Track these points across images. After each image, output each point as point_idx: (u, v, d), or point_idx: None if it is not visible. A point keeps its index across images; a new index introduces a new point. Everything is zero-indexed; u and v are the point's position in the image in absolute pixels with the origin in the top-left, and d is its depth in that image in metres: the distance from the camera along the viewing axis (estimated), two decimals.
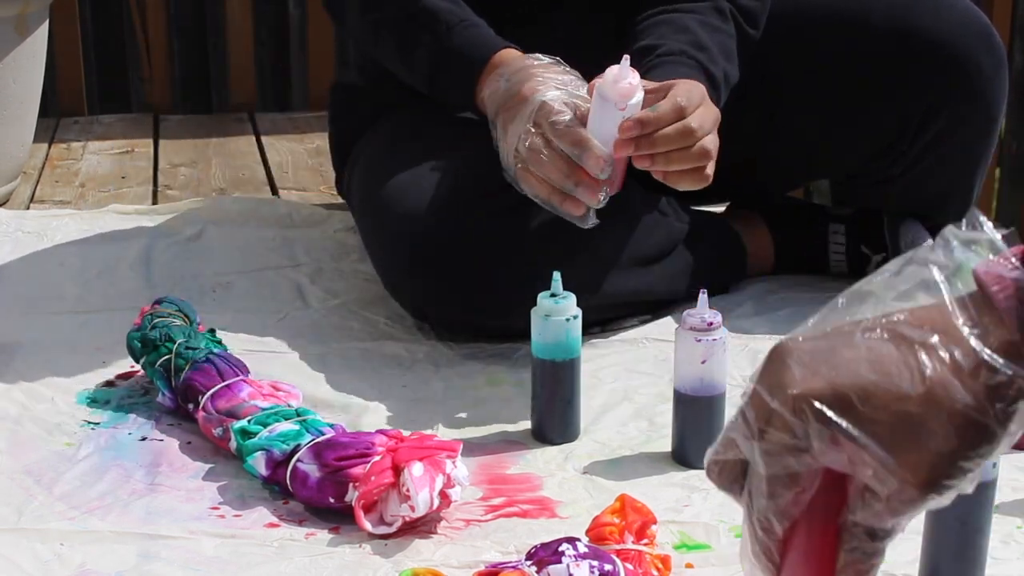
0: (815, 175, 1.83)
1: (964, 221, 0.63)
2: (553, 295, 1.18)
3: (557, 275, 1.18)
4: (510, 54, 1.35)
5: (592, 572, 0.90)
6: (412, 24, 1.43)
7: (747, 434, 0.62)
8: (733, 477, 0.65)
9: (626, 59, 1.20)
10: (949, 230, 0.63)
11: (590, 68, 1.26)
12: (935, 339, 0.60)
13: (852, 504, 0.62)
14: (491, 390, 1.32)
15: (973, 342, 0.60)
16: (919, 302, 0.62)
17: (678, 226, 1.52)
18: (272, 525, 1.06)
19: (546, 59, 1.31)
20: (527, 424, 1.24)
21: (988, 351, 0.59)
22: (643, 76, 1.27)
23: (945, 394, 0.59)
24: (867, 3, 1.50)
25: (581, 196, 1.23)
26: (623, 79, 1.19)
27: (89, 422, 1.24)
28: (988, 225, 0.63)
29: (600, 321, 1.43)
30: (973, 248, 0.63)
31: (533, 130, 1.24)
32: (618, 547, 0.95)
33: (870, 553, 0.62)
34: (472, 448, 1.17)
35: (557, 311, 1.18)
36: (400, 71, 1.48)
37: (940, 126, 1.50)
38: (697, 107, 1.23)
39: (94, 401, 1.29)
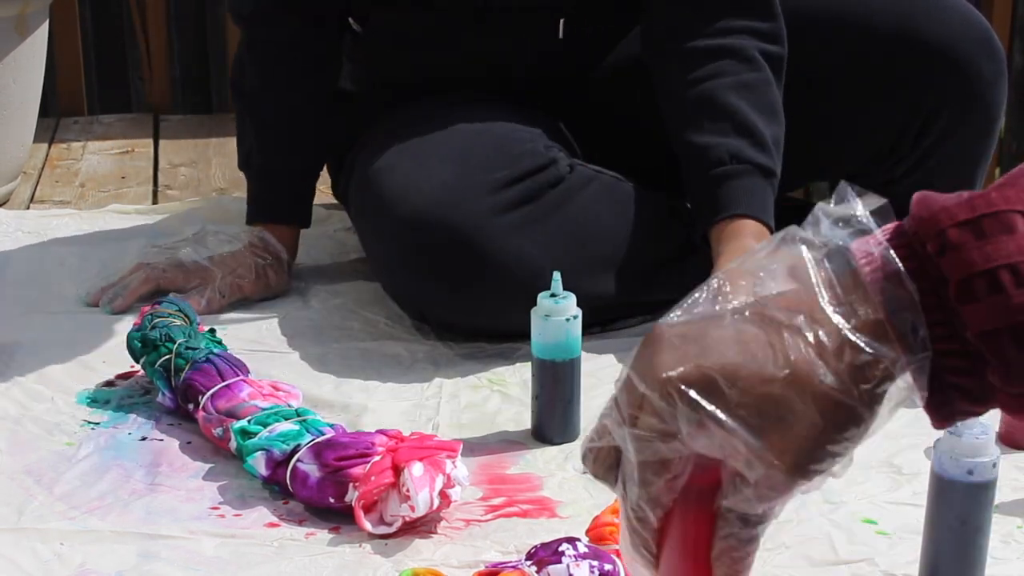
0: (815, 177, 1.83)
1: (835, 196, 0.63)
2: (553, 295, 1.18)
3: (557, 275, 1.18)
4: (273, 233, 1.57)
5: (592, 572, 0.90)
6: (246, 117, 1.63)
7: (618, 420, 0.61)
8: (608, 466, 0.63)
9: None
10: (820, 207, 0.63)
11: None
12: (800, 320, 0.59)
13: (724, 489, 0.60)
14: (491, 390, 1.32)
15: (836, 320, 0.58)
16: (789, 283, 0.60)
17: (682, 230, 1.52)
18: (272, 525, 1.06)
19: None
20: (527, 424, 1.24)
21: (852, 330, 0.58)
22: (703, 198, 1.39)
23: (809, 375, 0.57)
24: (868, 7, 1.50)
25: None
26: None
27: (89, 422, 1.24)
28: (858, 200, 0.62)
29: (600, 321, 1.43)
30: (843, 225, 0.62)
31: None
32: (618, 547, 0.95)
33: (745, 540, 0.61)
34: (472, 448, 1.17)
35: (557, 311, 1.18)
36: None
37: (940, 130, 1.50)
38: None
39: (94, 401, 1.29)
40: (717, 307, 0.61)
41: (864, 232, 0.62)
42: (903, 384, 0.59)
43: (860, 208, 0.63)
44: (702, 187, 1.39)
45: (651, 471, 0.60)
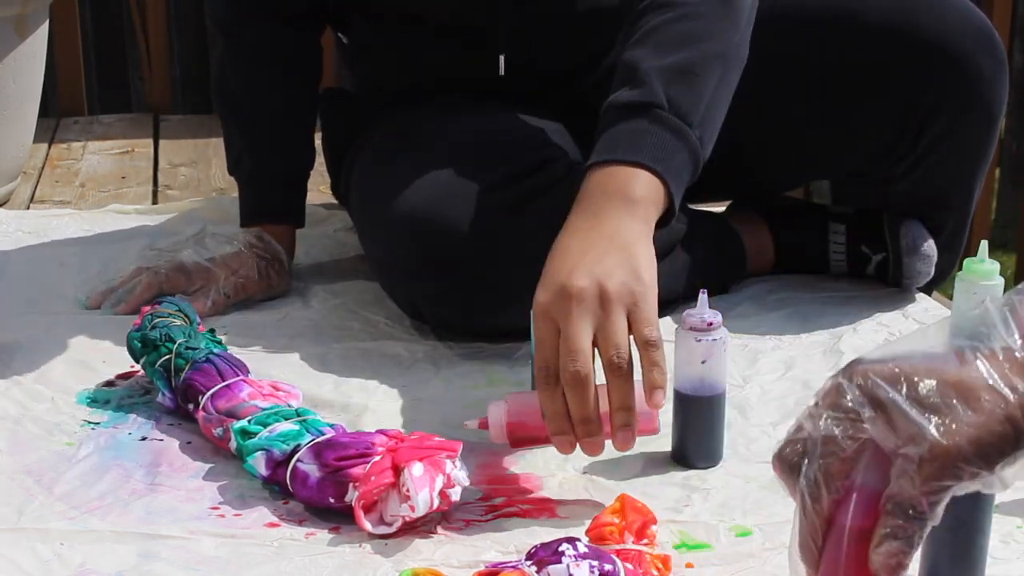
0: (815, 175, 1.83)
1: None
2: None
3: None
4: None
5: (592, 572, 0.90)
6: (231, 121, 1.64)
7: (813, 411, 0.69)
8: (792, 465, 0.69)
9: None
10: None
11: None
12: (980, 345, 0.67)
13: (892, 479, 0.66)
14: (491, 390, 1.32)
15: (1012, 342, 0.67)
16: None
17: (677, 226, 1.52)
18: (272, 525, 1.06)
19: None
20: None
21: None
22: (600, 129, 1.22)
23: (980, 378, 0.65)
24: (867, 4, 1.50)
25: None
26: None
27: (89, 422, 1.24)
28: None
29: None
30: None
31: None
32: (618, 547, 0.95)
33: (903, 537, 0.65)
34: (472, 448, 1.17)
35: None
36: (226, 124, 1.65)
37: (940, 127, 1.50)
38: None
39: (94, 401, 1.29)
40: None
41: None
42: None
43: None
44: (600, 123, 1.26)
45: (831, 445, 0.67)
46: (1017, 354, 0.66)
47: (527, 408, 1.10)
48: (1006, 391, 0.65)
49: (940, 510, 0.66)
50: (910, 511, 0.65)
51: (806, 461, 0.69)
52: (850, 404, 0.67)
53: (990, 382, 0.65)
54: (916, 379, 0.66)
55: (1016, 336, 0.67)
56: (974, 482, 0.65)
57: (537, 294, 1.09)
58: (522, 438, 1.12)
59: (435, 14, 1.51)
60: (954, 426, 0.64)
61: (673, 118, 1.21)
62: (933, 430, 0.65)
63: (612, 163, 1.18)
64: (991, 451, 0.64)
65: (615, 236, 1.12)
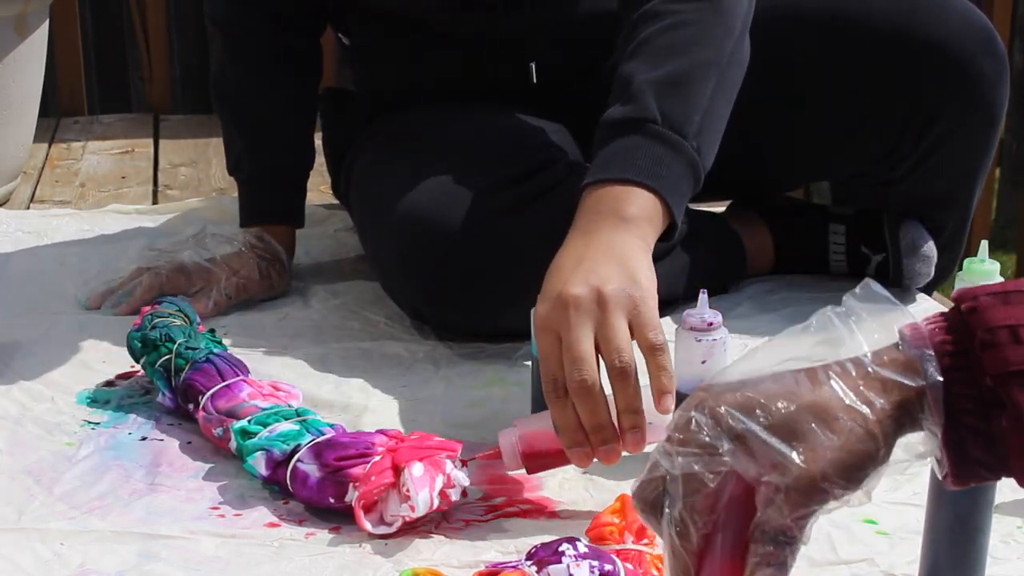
0: (815, 176, 1.83)
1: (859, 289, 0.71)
2: None
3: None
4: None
5: (592, 572, 0.90)
6: (231, 123, 1.63)
7: (668, 447, 0.68)
8: (653, 501, 0.69)
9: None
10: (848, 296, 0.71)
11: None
12: (830, 360, 0.68)
13: (758, 507, 0.66)
14: (491, 390, 1.32)
15: (863, 357, 0.67)
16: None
17: (674, 228, 1.52)
18: (272, 525, 1.06)
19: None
20: None
21: (875, 364, 0.67)
22: (595, 148, 1.21)
23: (832, 396, 0.66)
24: (869, 6, 1.50)
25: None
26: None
27: (89, 422, 1.24)
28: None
29: None
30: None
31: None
32: (618, 547, 0.95)
33: (775, 563, 0.66)
34: (472, 448, 1.17)
35: None
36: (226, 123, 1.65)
37: (941, 129, 1.50)
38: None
39: (94, 401, 1.29)
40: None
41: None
42: (921, 440, 0.68)
43: (880, 291, 0.71)
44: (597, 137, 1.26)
45: (694, 483, 0.67)
46: (869, 368, 0.67)
47: (537, 430, 1.07)
48: (863, 408, 0.65)
49: (809, 530, 0.67)
50: (780, 537, 0.66)
51: (668, 500, 0.68)
52: (707, 439, 0.67)
53: (847, 401, 0.66)
54: (771, 406, 0.66)
55: (864, 347, 0.68)
56: (841, 501, 0.66)
57: (536, 308, 1.08)
58: (538, 461, 1.08)
59: (434, 20, 1.51)
60: (816, 451, 0.65)
61: (667, 131, 1.19)
62: (796, 458, 0.65)
63: (606, 182, 1.16)
64: (855, 471, 0.65)
65: (611, 248, 1.11)
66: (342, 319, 1.52)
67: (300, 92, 1.62)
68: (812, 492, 0.65)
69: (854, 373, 0.66)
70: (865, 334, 0.68)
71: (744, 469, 0.66)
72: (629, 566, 0.93)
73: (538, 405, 1.21)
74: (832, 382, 0.66)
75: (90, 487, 1.12)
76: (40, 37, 2.02)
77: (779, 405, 0.66)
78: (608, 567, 0.91)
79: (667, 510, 0.68)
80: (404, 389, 1.33)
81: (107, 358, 1.38)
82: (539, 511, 1.08)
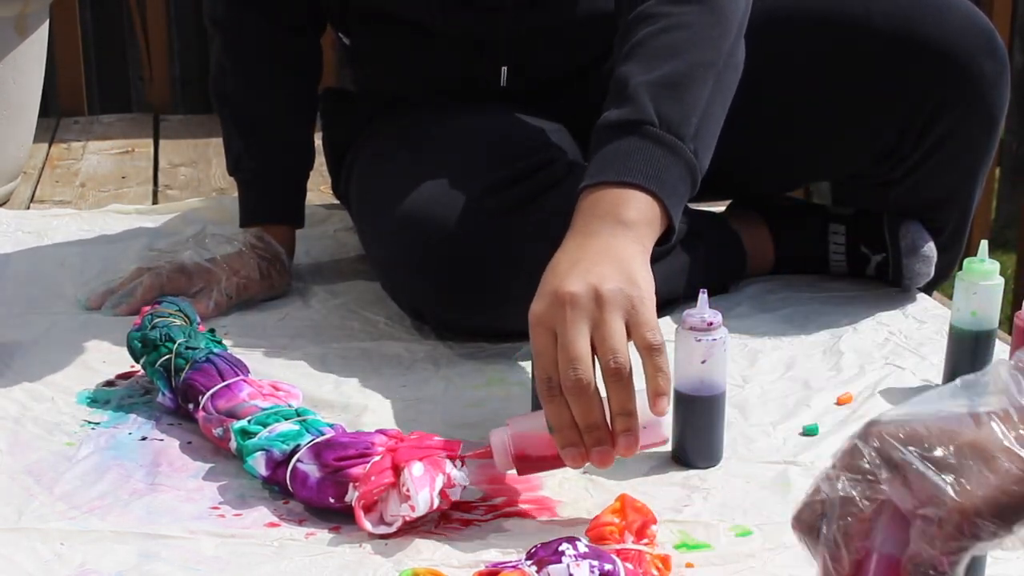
0: (815, 177, 1.82)
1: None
2: None
3: None
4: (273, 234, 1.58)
5: (592, 572, 0.90)
6: (230, 121, 1.63)
7: (831, 472, 0.70)
8: (811, 524, 0.70)
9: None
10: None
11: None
12: (995, 407, 0.68)
13: (911, 539, 0.67)
14: (491, 390, 1.32)
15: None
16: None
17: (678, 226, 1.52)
18: (272, 525, 1.06)
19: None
20: None
21: None
22: (592, 151, 1.20)
23: (994, 439, 0.66)
24: (869, 6, 1.50)
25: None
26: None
27: (89, 422, 1.24)
28: None
29: None
30: None
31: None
32: (618, 547, 0.95)
33: None
34: (472, 448, 1.17)
35: None
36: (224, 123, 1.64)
37: (942, 130, 1.50)
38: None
39: (94, 401, 1.29)
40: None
41: None
42: None
43: None
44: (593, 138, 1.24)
45: (850, 507, 0.68)
46: None
47: (530, 430, 1.06)
48: (1021, 452, 0.66)
49: (961, 570, 0.67)
50: (931, 572, 0.66)
51: (825, 522, 0.69)
52: (867, 466, 0.68)
53: (1005, 443, 0.66)
54: (931, 441, 0.67)
55: None
56: (993, 541, 0.66)
57: (532, 306, 1.07)
58: (529, 463, 1.07)
59: (433, 21, 1.51)
60: (970, 487, 0.65)
61: (665, 133, 1.19)
62: (950, 490, 0.66)
63: (603, 185, 1.15)
64: (1008, 511, 0.65)
65: (608, 250, 1.10)
66: (342, 319, 1.52)
67: (300, 92, 1.62)
68: (964, 526, 0.65)
69: (1016, 418, 0.67)
70: None
71: (900, 499, 0.67)
72: (629, 566, 0.93)
73: (538, 405, 1.21)
74: (993, 424, 0.67)
75: (90, 487, 1.12)
76: (40, 37, 2.02)
77: (939, 440, 0.67)
78: (608, 567, 0.91)
79: (823, 532, 0.69)
80: (404, 389, 1.33)
81: (107, 358, 1.38)
82: (539, 511, 1.08)
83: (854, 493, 0.68)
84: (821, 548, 0.69)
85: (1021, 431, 0.67)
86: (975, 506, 0.65)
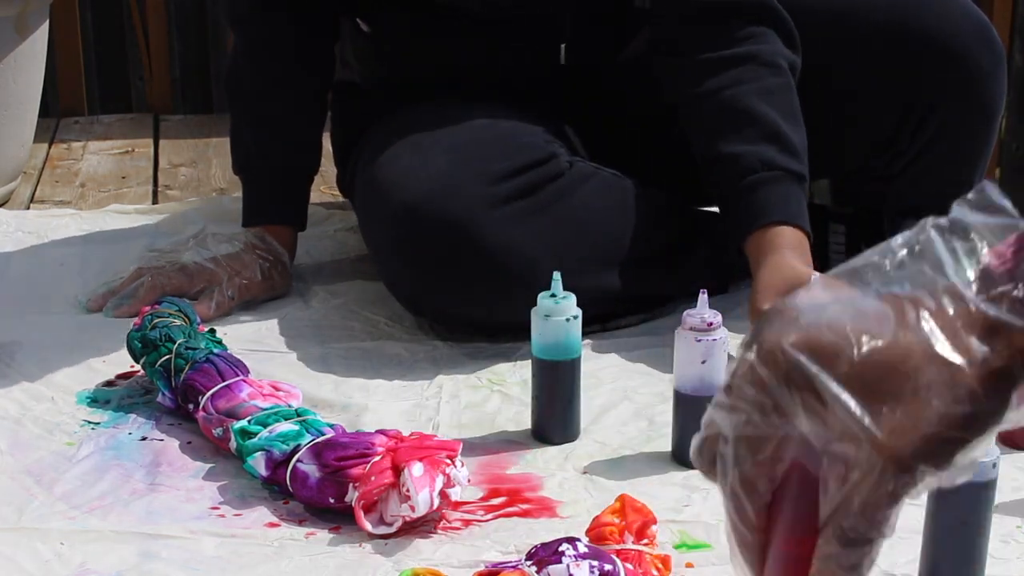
0: (814, 173, 1.82)
1: (974, 193, 0.56)
2: (553, 295, 1.18)
3: (557, 275, 1.18)
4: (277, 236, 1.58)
5: (592, 572, 0.90)
6: (242, 120, 1.62)
7: (723, 399, 0.55)
8: (711, 459, 0.57)
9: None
10: (956, 202, 0.56)
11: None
12: (922, 292, 0.52)
13: (824, 493, 0.53)
14: (491, 390, 1.32)
15: (963, 290, 0.52)
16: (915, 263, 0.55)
17: (676, 224, 1.52)
18: (272, 525, 1.06)
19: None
20: (527, 424, 1.24)
21: (979, 299, 0.51)
22: (737, 206, 1.35)
23: (928, 344, 0.51)
24: (867, 1, 1.50)
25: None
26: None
27: (89, 422, 1.24)
28: (1002, 198, 0.55)
29: (600, 319, 1.43)
30: (979, 210, 0.55)
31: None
32: (618, 547, 0.95)
33: (846, 565, 0.52)
34: (472, 448, 1.17)
35: (557, 311, 1.17)
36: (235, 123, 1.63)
37: (939, 122, 1.50)
38: None
39: (94, 401, 1.29)
40: (832, 291, 0.54)
41: (1000, 217, 0.54)
42: None
43: (998, 198, 0.55)
44: (735, 197, 1.37)
45: (745, 447, 0.54)
46: (972, 305, 0.51)
47: None
48: (960, 361, 0.50)
49: (893, 524, 0.52)
50: (851, 534, 0.52)
51: (720, 465, 0.56)
52: (764, 394, 0.53)
53: (940, 350, 0.50)
54: (847, 351, 0.51)
55: (969, 274, 0.53)
56: (925, 484, 0.51)
57: None
58: None
59: (461, 2, 1.51)
60: (902, 421, 0.50)
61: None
62: (874, 427, 0.50)
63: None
64: (950, 445, 0.50)
65: None
66: (342, 319, 1.52)
67: (314, 93, 1.62)
68: (897, 473, 0.50)
69: (952, 311, 0.51)
70: (972, 257, 0.53)
71: (813, 432, 0.52)
72: (629, 566, 0.93)
73: (538, 405, 1.21)
74: (923, 323, 0.51)
75: (90, 487, 1.12)
76: (40, 37, 2.02)
77: (858, 351, 0.51)
78: (608, 567, 0.91)
79: (721, 481, 0.56)
80: (404, 389, 1.33)
81: (107, 358, 1.38)
82: (539, 511, 1.08)
83: (749, 431, 0.53)
84: (723, 496, 0.56)
85: (959, 326, 0.51)
86: (912, 445, 0.50)
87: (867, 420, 0.50)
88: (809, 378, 0.51)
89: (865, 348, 0.51)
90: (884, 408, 0.50)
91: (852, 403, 0.50)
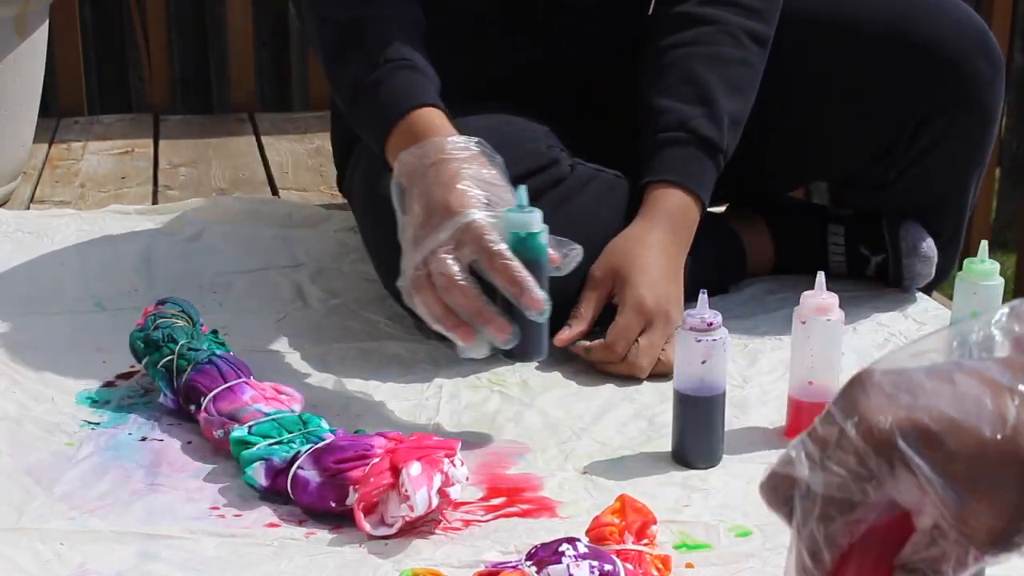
0: (812, 178, 1.83)
1: None
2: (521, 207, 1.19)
3: (523, 188, 1.20)
4: (429, 120, 1.30)
5: (592, 572, 0.90)
6: (350, 39, 1.39)
7: (812, 452, 0.58)
8: (784, 497, 0.60)
9: (821, 278, 1.18)
10: None
11: (587, 75, 1.25)
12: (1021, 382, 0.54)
13: (914, 542, 0.57)
14: (491, 390, 1.32)
15: None
16: (1015, 351, 0.57)
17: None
18: (272, 525, 1.06)
19: (470, 144, 1.26)
20: (527, 424, 1.24)
21: None
22: (644, 160, 1.40)
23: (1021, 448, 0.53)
24: (864, 8, 1.50)
25: (489, 333, 1.17)
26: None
27: (89, 422, 1.24)
28: None
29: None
30: None
31: (451, 253, 1.17)
32: (618, 547, 0.95)
33: None
34: (472, 448, 1.17)
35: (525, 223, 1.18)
36: (328, 78, 1.43)
37: (936, 131, 1.50)
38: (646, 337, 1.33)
39: (94, 401, 1.29)
40: (934, 358, 0.57)
41: None
42: None
43: None
44: (647, 148, 1.43)
45: (835, 508, 0.57)
46: None
47: None
48: None
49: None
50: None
51: (800, 511, 0.59)
52: (857, 462, 0.56)
53: None
54: (948, 440, 0.54)
55: None
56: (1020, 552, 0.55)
57: None
58: None
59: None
60: (1003, 507, 0.53)
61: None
62: (968, 516, 0.54)
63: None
64: None
65: None
66: (342, 319, 1.52)
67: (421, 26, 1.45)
68: (980, 556, 0.54)
69: None
70: None
71: (909, 501, 0.56)
72: (629, 566, 0.93)
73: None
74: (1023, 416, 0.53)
75: (90, 487, 1.12)
76: (40, 37, 2.02)
77: (959, 440, 0.54)
78: (608, 567, 0.91)
79: (797, 522, 0.59)
80: (404, 389, 1.33)
81: (107, 358, 1.38)
82: (539, 511, 1.08)
83: (841, 494, 0.57)
84: (797, 539, 0.59)
85: None
86: (998, 528, 0.54)
87: (964, 510, 0.53)
88: (907, 461, 0.54)
89: (967, 440, 0.53)
90: (978, 498, 0.53)
91: (953, 496, 0.53)
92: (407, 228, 1.23)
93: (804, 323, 1.18)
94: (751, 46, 1.46)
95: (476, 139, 1.27)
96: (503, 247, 1.16)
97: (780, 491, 0.60)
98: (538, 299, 1.15)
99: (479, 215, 1.19)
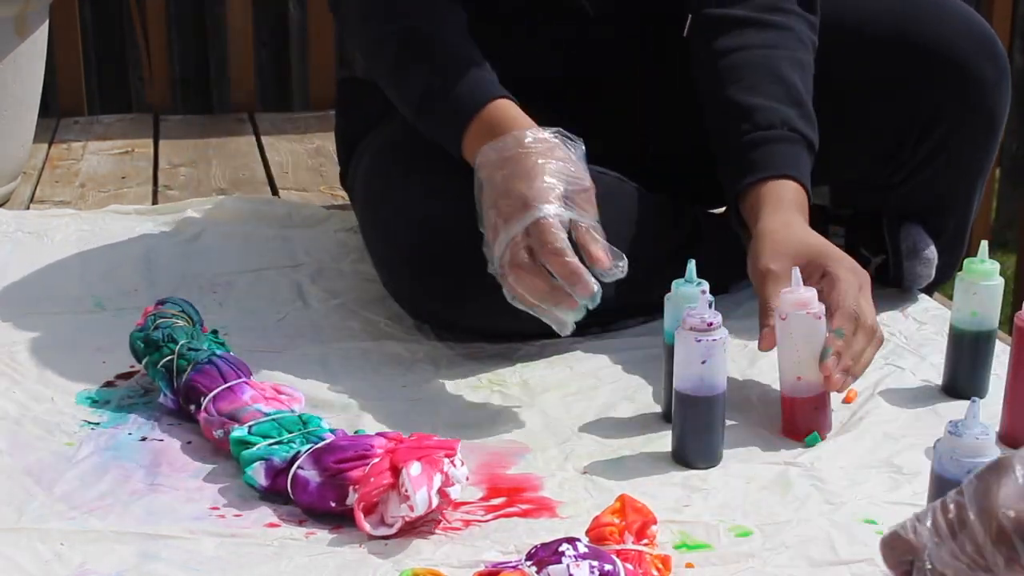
0: (817, 181, 1.82)
1: None
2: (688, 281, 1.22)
3: (692, 263, 1.23)
4: (505, 112, 1.31)
5: (592, 572, 0.90)
6: (410, 49, 1.40)
7: (935, 531, 0.62)
8: (901, 561, 0.64)
9: (797, 274, 1.20)
10: None
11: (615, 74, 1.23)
12: None
13: None
14: (491, 390, 1.32)
15: None
16: None
17: (678, 227, 1.52)
18: (272, 525, 1.06)
19: (547, 135, 1.28)
20: (527, 424, 1.24)
21: None
22: (745, 155, 1.34)
23: None
24: (870, 11, 1.50)
25: (561, 312, 1.22)
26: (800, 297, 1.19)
27: (89, 422, 1.24)
28: None
29: (600, 322, 1.43)
30: None
31: (521, 242, 1.22)
32: (618, 547, 0.95)
33: None
34: (472, 448, 1.17)
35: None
36: (391, 93, 1.44)
37: (941, 135, 1.50)
38: (866, 300, 1.22)
39: (94, 401, 1.29)
40: None
41: None
42: None
43: None
44: (743, 146, 1.36)
45: None
46: None
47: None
48: None
49: None
50: None
51: None
52: (975, 549, 0.60)
53: None
54: None
55: None
56: None
57: None
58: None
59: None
60: None
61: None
62: None
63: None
64: None
65: None
66: (342, 319, 1.52)
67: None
68: None
69: None
70: None
71: None
72: (629, 566, 0.93)
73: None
74: None
75: (90, 487, 1.12)
76: (40, 37, 2.02)
77: None
78: (608, 567, 0.91)
79: None
80: (404, 389, 1.33)
81: (107, 358, 1.38)
82: (539, 511, 1.08)
83: (953, 574, 0.61)
84: None
85: None
86: None
87: None
88: (1017, 552, 0.59)
89: None
90: None
91: None
92: (489, 222, 1.27)
93: (784, 319, 1.18)
94: (812, 58, 1.45)
95: (554, 128, 1.29)
96: (560, 246, 1.20)
97: (898, 552, 0.64)
98: (590, 285, 1.19)
99: (548, 210, 1.22)
